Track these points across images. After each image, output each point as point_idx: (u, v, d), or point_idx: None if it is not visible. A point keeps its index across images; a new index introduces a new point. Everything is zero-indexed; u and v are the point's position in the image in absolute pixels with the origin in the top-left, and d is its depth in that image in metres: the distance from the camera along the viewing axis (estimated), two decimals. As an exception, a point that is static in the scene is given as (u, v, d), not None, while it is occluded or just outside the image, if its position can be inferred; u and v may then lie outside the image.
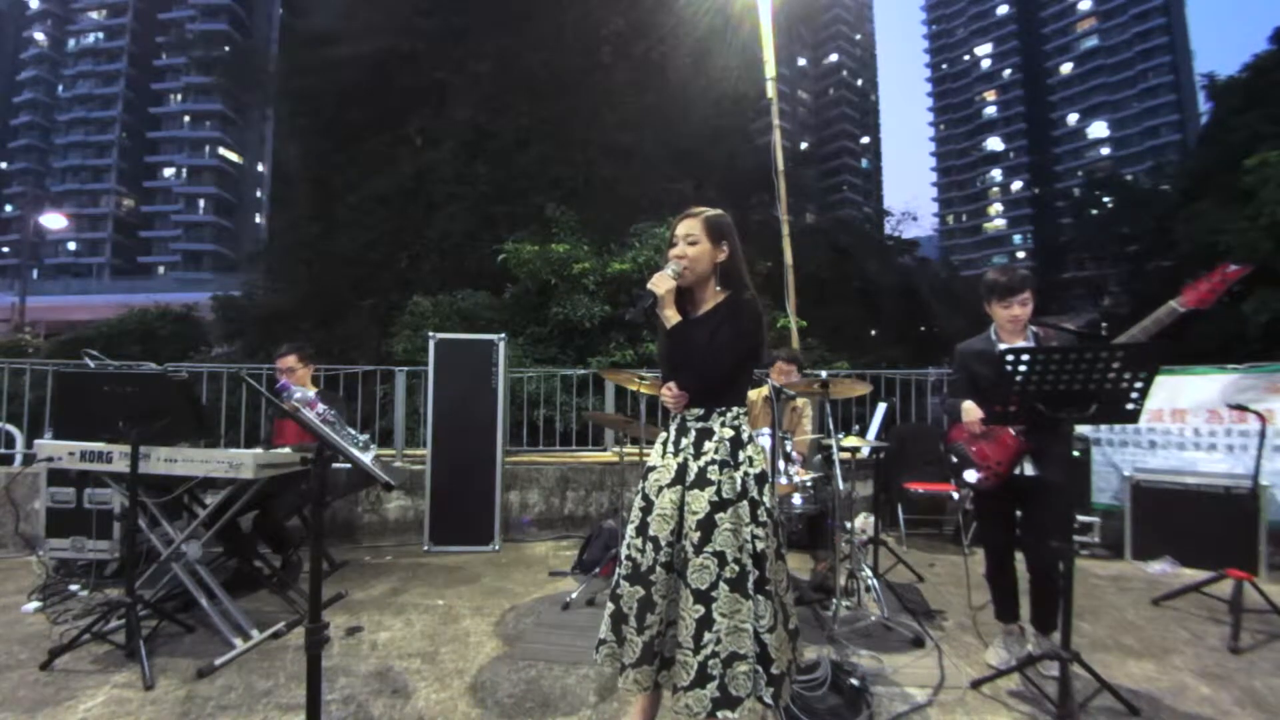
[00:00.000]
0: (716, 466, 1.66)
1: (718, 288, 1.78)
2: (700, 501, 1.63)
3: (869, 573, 3.19)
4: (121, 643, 2.50)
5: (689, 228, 1.75)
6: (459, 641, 2.77)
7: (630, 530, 1.74)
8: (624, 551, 1.74)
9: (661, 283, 1.70)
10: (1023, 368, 1.96)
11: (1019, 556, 2.54)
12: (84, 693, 2.24)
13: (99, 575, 3.48)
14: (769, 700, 1.57)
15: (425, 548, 4.32)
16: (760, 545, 1.63)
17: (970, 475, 2.48)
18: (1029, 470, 2.41)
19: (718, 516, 1.61)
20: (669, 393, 1.74)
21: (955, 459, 2.54)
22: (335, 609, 3.16)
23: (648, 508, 1.72)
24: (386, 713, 2.15)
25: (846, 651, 2.58)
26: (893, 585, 3.47)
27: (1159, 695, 2.30)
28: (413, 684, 2.35)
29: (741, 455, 1.69)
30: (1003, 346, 2.43)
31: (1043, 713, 2.13)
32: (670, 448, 1.76)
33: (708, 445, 1.69)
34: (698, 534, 1.61)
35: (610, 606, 1.71)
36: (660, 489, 1.71)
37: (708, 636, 1.54)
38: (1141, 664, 2.58)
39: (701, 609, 1.55)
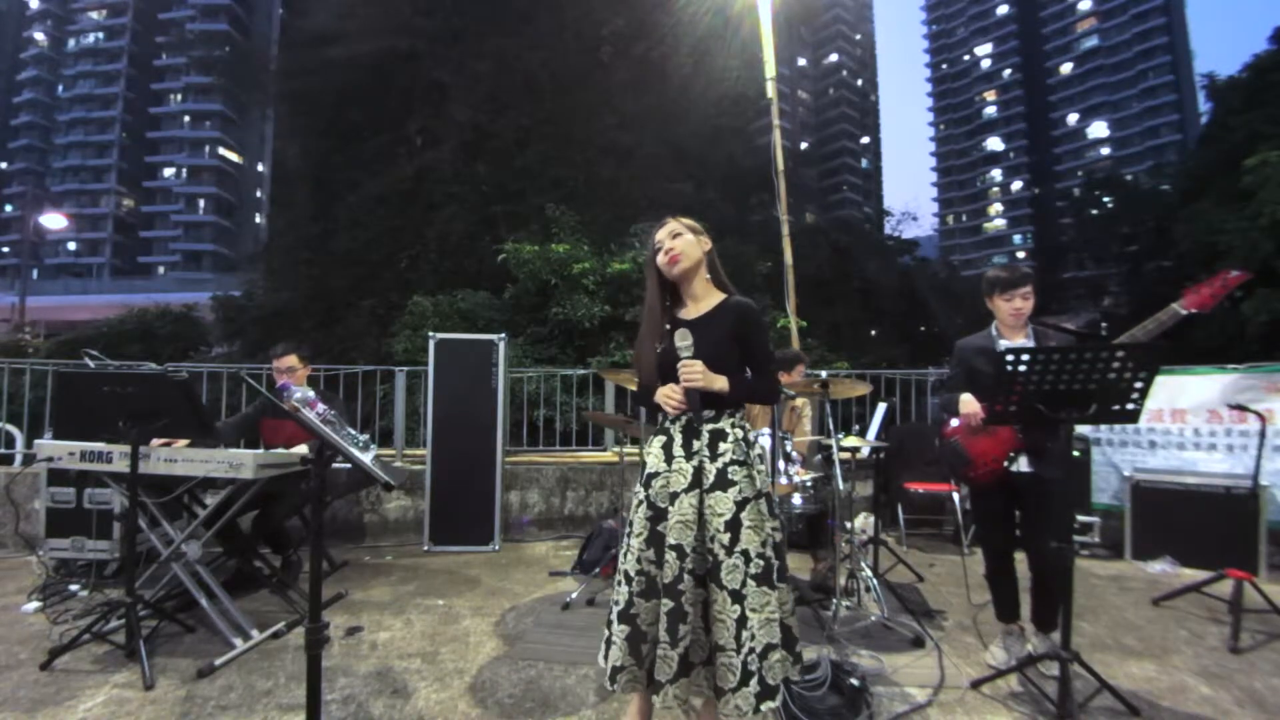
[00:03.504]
0: (736, 466, 1.67)
1: (707, 277, 1.84)
2: (725, 503, 1.63)
3: (869, 573, 3.19)
4: (121, 643, 2.49)
5: (671, 228, 1.82)
6: (459, 641, 2.77)
7: (637, 543, 1.67)
8: (631, 567, 1.67)
9: (686, 375, 1.64)
10: (1023, 367, 1.96)
11: (1019, 556, 2.54)
12: (84, 693, 2.24)
13: (99, 575, 3.48)
14: (795, 676, 1.67)
15: (425, 548, 4.32)
16: (778, 536, 1.70)
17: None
18: (1024, 467, 2.41)
19: (742, 515, 1.63)
20: (673, 397, 1.67)
21: (951, 455, 2.54)
22: (335, 609, 3.16)
23: (657, 516, 1.67)
24: (386, 713, 2.15)
25: (846, 651, 2.58)
26: (893, 585, 3.47)
27: (1159, 695, 2.30)
28: (413, 684, 2.35)
29: (752, 454, 1.71)
30: (1004, 344, 2.43)
31: (1042, 713, 2.13)
32: (679, 451, 1.70)
33: (723, 446, 1.69)
34: (727, 535, 1.61)
35: (624, 629, 1.63)
36: (674, 495, 1.66)
37: (744, 634, 1.56)
38: (1141, 664, 2.58)
39: (738, 609, 1.57)
